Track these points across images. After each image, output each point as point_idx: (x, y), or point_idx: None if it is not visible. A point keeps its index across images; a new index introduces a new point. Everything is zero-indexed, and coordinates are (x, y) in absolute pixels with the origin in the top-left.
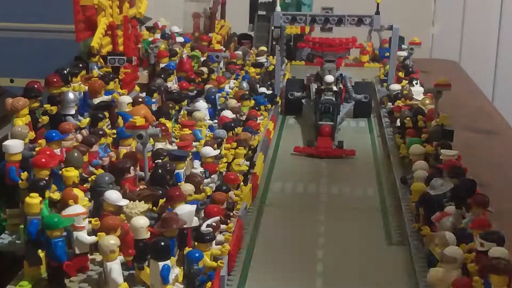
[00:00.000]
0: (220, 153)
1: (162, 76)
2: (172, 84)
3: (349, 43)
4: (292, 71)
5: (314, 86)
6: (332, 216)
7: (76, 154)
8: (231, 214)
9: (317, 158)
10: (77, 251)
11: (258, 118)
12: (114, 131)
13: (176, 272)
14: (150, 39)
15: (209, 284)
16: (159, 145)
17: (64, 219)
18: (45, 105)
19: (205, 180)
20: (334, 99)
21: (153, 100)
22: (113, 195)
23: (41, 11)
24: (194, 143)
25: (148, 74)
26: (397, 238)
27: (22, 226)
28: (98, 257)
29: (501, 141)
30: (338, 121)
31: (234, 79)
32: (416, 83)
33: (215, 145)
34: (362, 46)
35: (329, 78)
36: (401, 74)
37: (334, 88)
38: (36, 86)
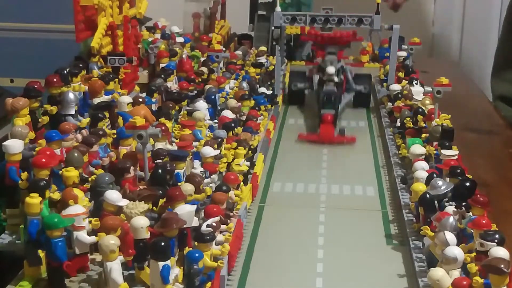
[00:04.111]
0: (220, 153)
1: (162, 76)
2: (172, 84)
3: (349, 36)
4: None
5: (316, 78)
6: (332, 216)
7: (76, 154)
8: (231, 214)
9: (319, 146)
10: (77, 251)
11: (258, 118)
12: (114, 131)
13: (176, 272)
14: (150, 39)
15: (209, 284)
16: (159, 145)
17: (64, 219)
18: (45, 105)
19: (205, 180)
20: (335, 89)
21: (153, 100)
22: (113, 195)
23: (41, 11)
24: (194, 143)
25: (148, 74)
26: (397, 238)
27: (22, 226)
28: (98, 257)
29: (501, 141)
30: (339, 110)
31: (234, 79)
32: (416, 83)
33: (215, 145)
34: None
35: (331, 69)
36: (401, 74)
37: (336, 79)
38: (36, 86)
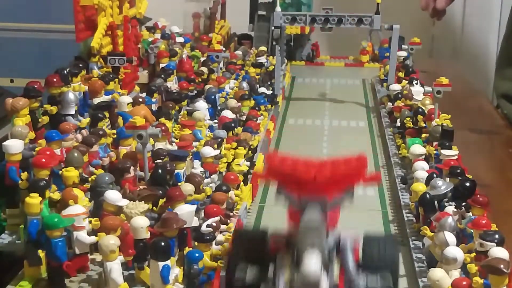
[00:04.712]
0: (220, 153)
1: (162, 76)
2: (172, 84)
3: (351, 173)
4: (292, 71)
5: (282, 275)
6: None
7: (76, 154)
8: (231, 214)
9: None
10: (77, 251)
11: (258, 118)
12: (114, 131)
13: (176, 272)
14: (150, 39)
15: (209, 284)
16: (159, 145)
17: (64, 219)
18: (45, 105)
19: (205, 180)
20: None
21: (153, 100)
22: (113, 195)
23: (41, 11)
24: (194, 143)
25: (148, 74)
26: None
27: (22, 226)
28: (98, 257)
29: (501, 141)
30: None
31: (234, 79)
32: (416, 83)
33: (215, 145)
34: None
35: (311, 266)
36: (401, 74)
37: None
38: (36, 86)
